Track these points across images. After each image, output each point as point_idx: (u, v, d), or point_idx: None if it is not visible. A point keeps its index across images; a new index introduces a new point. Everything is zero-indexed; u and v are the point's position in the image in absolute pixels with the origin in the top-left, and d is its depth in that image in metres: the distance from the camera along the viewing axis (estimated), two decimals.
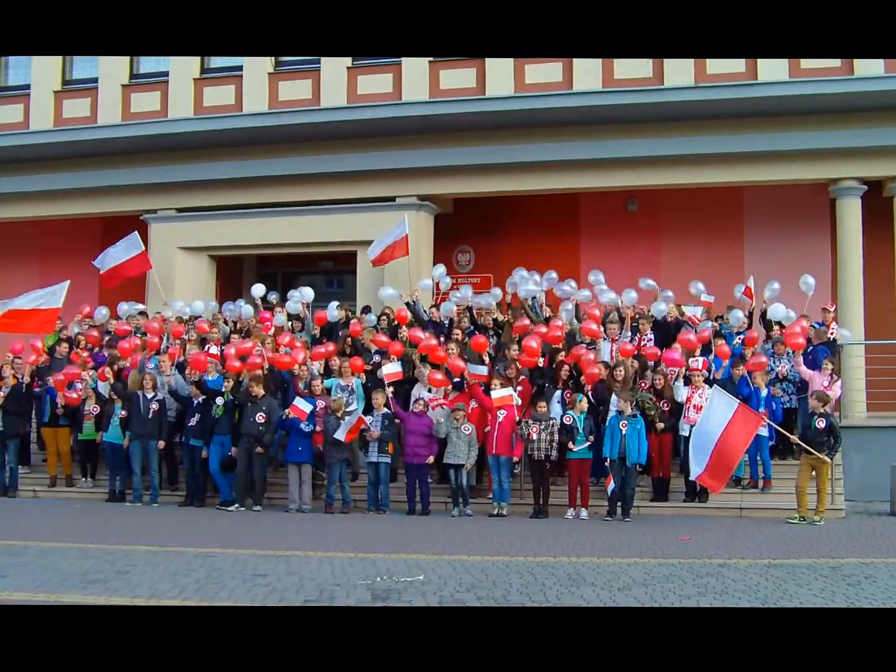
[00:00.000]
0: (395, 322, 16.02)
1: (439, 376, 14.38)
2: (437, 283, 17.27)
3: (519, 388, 14.31)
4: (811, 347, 14.81)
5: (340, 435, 13.86)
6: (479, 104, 17.86)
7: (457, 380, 14.55)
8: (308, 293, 17.11)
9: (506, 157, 18.07)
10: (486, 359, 14.75)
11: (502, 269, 17.65)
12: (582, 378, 14.25)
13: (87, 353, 16.68)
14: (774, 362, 14.62)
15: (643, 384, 14.30)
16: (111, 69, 19.94)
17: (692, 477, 13.05)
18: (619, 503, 13.30)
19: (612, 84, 17.60)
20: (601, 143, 17.68)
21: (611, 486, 13.27)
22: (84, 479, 16.14)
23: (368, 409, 14.54)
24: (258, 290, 17.62)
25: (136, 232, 18.75)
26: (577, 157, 17.83)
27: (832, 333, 15.35)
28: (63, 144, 19.70)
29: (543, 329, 14.87)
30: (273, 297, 17.94)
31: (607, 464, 13.38)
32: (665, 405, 13.97)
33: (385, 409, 14.19)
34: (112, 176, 19.88)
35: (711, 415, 12.72)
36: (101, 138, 19.49)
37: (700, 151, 17.46)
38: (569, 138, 17.78)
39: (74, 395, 15.48)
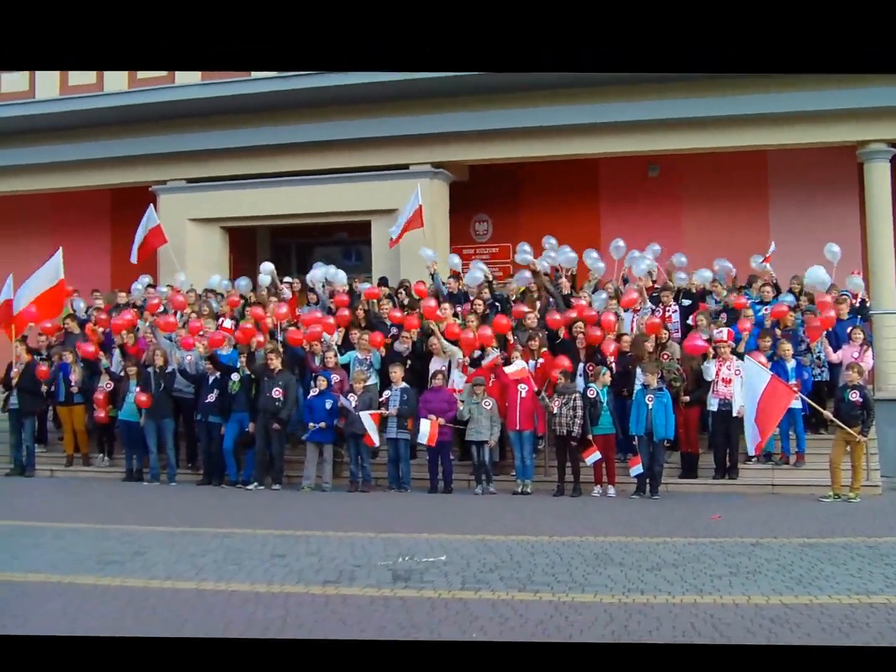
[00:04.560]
0: (417, 295, 15.74)
1: (471, 335, 14.10)
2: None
3: (541, 360, 14.00)
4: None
5: (377, 439, 13.74)
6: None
7: (478, 353, 14.23)
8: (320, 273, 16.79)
9: (522, 122, 17.61)
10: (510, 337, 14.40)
11: (521, 237, 17.24)
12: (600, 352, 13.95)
13: (101, 330, 16.39)
14: (805, 334, 14.25)
15: (665, 356, 13.95)
16: None
17: (751, 453, 12.97)
18: (647, 480, 13.00)
19: None
20: (621, 106, 17.18)
21: (635, 468, 12.94)
22: (101, 457, 15.93)
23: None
24: (266, 268, 17.28)
25: (151, 205, 18.47)
26: (596, 121, 17.35)
27: (857, 301, 14.98)
28: (69, 114, 19.27)
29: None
30: (287, 280, 17.54)
31: (635, 442, 13.06)
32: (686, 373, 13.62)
33: (403, 384, 13.89)
34: (120, 146, 19.50)
35: (747, 387, 12.57)
36: (107, 106, 19.03)
37: (723, 113, 16.96)
38: (587, 101, 17.27)
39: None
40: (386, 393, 13.92)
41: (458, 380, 14.11)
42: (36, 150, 19.95)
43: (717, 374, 13.35)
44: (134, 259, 18.28)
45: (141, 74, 19.34)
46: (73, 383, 15.61)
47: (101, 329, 16.40)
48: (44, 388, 15.73)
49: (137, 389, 14.70)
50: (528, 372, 13.57)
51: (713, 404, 13.37)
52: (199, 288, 17.52)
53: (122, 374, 15.30)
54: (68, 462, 15.97)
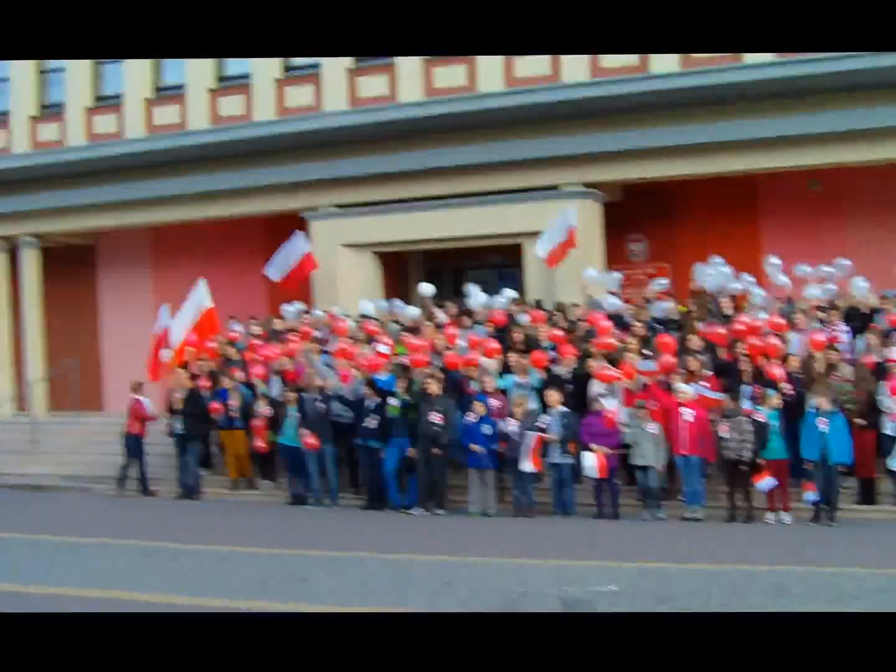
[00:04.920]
0: (577, 316, 15.50)
1: (610, 371, 13.75)
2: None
3: (705, 383, 13.58)
4: None
5: (527, 466, 13.39)
6: (643, 83, 16.99)
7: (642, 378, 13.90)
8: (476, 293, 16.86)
9: (675, 139, 17.17)
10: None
11: (679, 257, 16.88)
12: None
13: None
14: None
15: (836, 377, 13.36)
16: (262, 64, 19.73)
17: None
18: (823, 507, 12.42)
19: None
20: (778, 120, 16.59)
21: (810, 494, 12.39)
22: (269, 481, 16.15)
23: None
24: (427, 289, 17.39)
25: (299, 232, 18.69)
26: (752, 136, 16.78)
27: None
28: (221, 144, 19.79)
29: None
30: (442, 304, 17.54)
31: (810, 467, 12.49)
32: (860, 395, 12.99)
33: (562, 408, 13.63)
34: (270, 174, 19.80)
35: None
36: (256, 136, 19.47)
37: (884, 125, 16.16)
38: (742, 115, 16.78)
39: None
40: (544, 418, 13.65)
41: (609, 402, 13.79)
42: (187, 181, 20.45)
43: (893, 394, 12.71)
44: (273, 276, 18.55)
45: (288, 103, 19.77)
46: (231, 409, 15.90)
47: (257, 356, 16.66)
48: (216, 415, 16.04)
49: (298, 417, 14.84)
50: (705, 397, 13.22)
51: (889, 428, 12.73)
52: (353, 313, 17.62)
53: (281, 399, 15.49)
54: (233, 486, 16.27)
